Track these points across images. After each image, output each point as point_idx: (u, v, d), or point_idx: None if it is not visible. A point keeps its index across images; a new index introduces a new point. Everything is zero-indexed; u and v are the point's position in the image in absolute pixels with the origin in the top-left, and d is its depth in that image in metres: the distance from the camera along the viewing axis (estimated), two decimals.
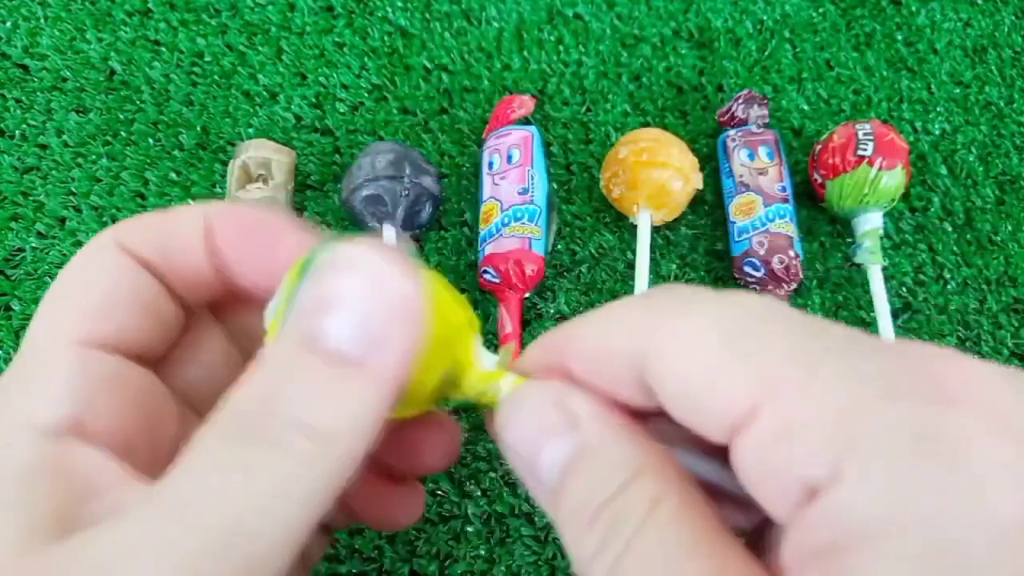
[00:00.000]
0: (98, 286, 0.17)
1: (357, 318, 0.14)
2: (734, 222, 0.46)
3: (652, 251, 0.47)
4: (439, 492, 0.40)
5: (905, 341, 0.13)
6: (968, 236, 0.49)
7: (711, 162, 0.50)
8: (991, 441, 0.11)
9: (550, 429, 0.15)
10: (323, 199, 0.48)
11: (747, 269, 0.45)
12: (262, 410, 0.14)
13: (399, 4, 0.56)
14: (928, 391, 0.12)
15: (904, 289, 0.47)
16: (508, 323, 0.44)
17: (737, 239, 0.45)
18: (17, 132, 0.49)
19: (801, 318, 0.13)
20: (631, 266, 0.46)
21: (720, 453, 0.14)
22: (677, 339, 0.14)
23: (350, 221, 0.47)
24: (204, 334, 0.20)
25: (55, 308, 0.17)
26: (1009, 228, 0.49)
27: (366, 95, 0.52)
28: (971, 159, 0.52)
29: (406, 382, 0.16)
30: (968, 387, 0.12)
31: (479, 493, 0.40)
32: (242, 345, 0.21)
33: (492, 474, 0.40)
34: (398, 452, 0.20)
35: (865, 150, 0.45)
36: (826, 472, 0.12)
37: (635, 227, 0.46)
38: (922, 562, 0.11)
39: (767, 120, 0.49)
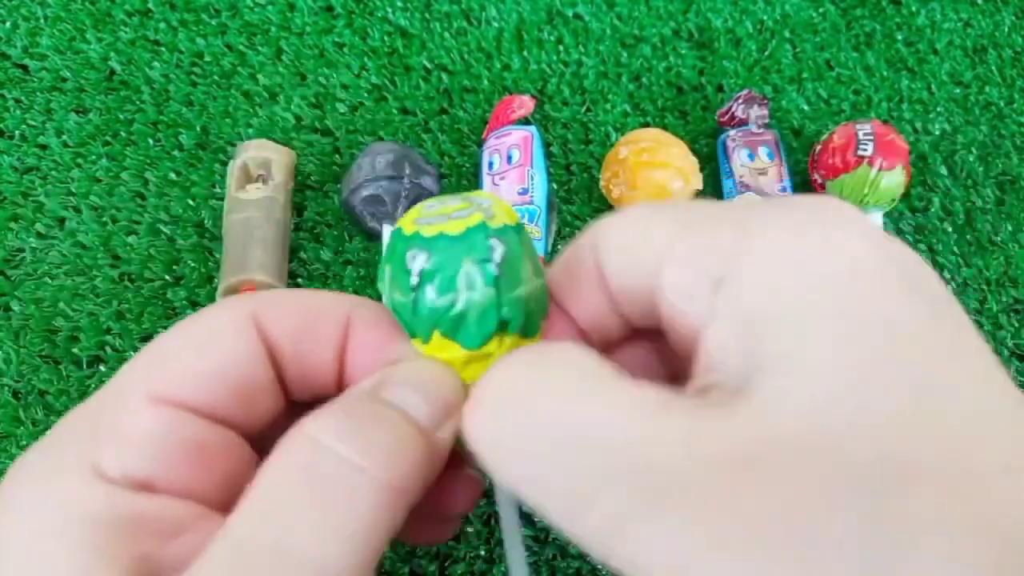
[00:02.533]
0: (216, 358, 0.17)
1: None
2: None
3: None
4: None
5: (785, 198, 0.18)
6: (968, 236, 0.49)
7: (711, 162, 0.50)
8: (837, 220, 0.15)
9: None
10: (323, 199, 0.48)
11: None
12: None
13: (399, 4, 0.56)
14: (784, 206, 0.16)
15: None
16: None
17: None
18: (17, 132, 0.49)
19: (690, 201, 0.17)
20: None
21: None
22: (604, 231, 0.18)
23: (350, 221, 0.47)
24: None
25: (157, 362, 0.17)
26: (1009, 228, 0.49)
27: (366, 95, 0.52)
28: (971, 159, 0.52)
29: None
30: (817, 204, 0.16)
31: None
32: None
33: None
34: (426, 502, 0.19)
35: (865, 150, 0.45)
36: (724, 269, 0.15)
37: None
38: (802, 328, 0.14)
39: (767, 120, 0.49)
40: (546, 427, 0.14)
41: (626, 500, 0.13)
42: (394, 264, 0.18)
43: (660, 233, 0.16)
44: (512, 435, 0.15)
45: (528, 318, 0.18)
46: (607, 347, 0.19)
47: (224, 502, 0.16)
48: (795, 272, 0.14)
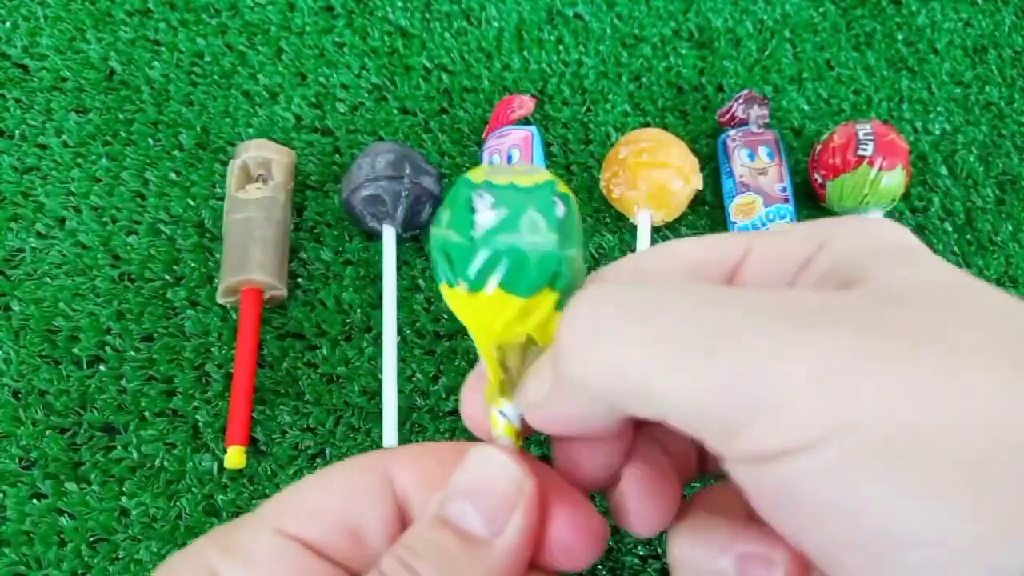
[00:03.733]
0: (344, 505, 0.18)
1: (488, 506, 0.17)
2: (734, 222, 0.46)
3: None
4: None
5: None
6: (968, 236, 0.49)
7: (711, 162, 0.50)
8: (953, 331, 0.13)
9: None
10: (323, 199, 0.48)
11: None
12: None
13: (399, 4, 0.56)
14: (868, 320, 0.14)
15: None
16: None
17: None
18: (17, 132, 0.49)
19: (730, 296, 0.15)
20: None
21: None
22: (646, 369, 0.15)
23: (350, 221, 0.47)
24: None
25: (291, 498, 0.18)
26: (1009, 228, 0.49)
27: (366, 95, 0.52)
28: (971, 159, 0.52)
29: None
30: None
31: None
32: None
33: None
34: (544, 554, 0.19)
35: (865, 150, 0.44)
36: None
37: (635, 227, 0.46)
38: (857, 463, 0.12)
39: (767, 120, 0.49)
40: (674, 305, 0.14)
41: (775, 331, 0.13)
42: (456, 207, 0.18)
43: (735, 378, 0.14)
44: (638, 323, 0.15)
45: (572, 282, 0.18)
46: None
47: None
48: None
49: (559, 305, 0.17)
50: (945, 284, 0.14)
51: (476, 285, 0.17)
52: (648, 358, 0.14)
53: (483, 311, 0.18)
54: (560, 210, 0.17)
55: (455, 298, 0.18)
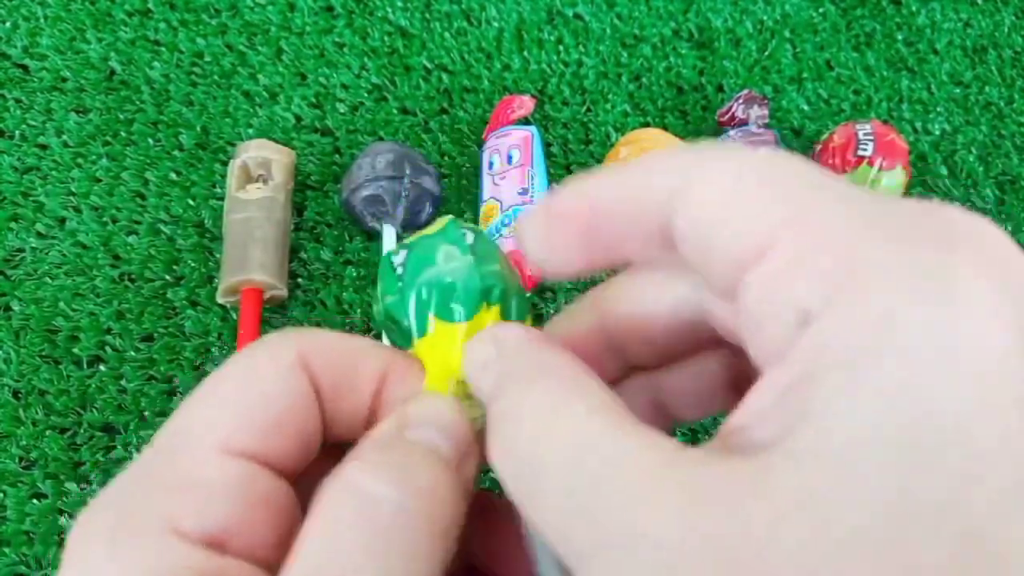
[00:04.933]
0: (273, 404, 0.16)
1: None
2: None
3: None
4: None
5: (922, 200, 0.14)
6: None
7: None
8: (983, 283, 0.12)
9: (485, 362, 0.17)
10: (323, 199, 0.48)
11: None
12: None
13: (399, 4, 0.56)
14: (933, 234, 0.12)
15: None
16: None
17: None
18: (17, 132, 0.49)
19: (817, 171, 0.14)
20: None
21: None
22: (699, 183, 0.14)
23: (350, 221, 0.47)
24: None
25: (219, 410, 0.16)
26: (1009, 229, 0.49)
27: (366, 95, 0.52)
28: (971, 159, 0.52)
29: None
30: (971, 235, 0.12)
31: None
32: None
33: (491, 474, 0.40)
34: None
35: (865, 150, 0.44)
36: (819, 303, 0.12)
37: None
38: (896, 395, 0.11)
39: (767, 120, 0.49)
40: (555, 472, 0.14)
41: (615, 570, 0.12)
42: (383, 276, 0.19)
43: (771, 213, 0.13)
44: (526, 475, 0.14)
45: (506, 292, 0.18)
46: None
47: (277, 559, 0.15)
48: (893, 350, 0.11)
49: (505, 316, 0.18)
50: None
51: (421, 328, 0.18)
52: None
53: (437, 349, 0.18)
54: (469, 238, 0.18)
55: (419, 351, 0.19)
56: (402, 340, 0.19)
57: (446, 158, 0.50)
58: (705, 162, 0.14)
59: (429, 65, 0.53)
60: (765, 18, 0.56)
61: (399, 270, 0.18)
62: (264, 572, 0.15)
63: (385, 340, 0.41)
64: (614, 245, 0.16)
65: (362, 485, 0.15)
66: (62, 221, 0.47)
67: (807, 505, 0.11)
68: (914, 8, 0.57)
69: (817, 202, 0.13)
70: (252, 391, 0.17)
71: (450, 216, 0.19)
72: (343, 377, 0.18)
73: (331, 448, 0.18)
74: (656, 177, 0.15)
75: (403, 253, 0.18)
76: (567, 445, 0.14)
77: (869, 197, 0.13)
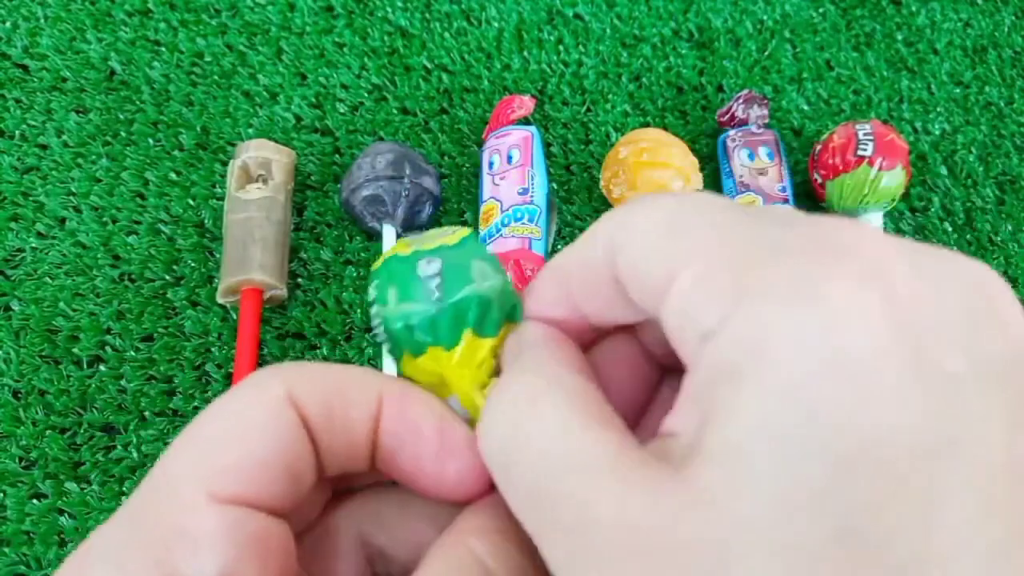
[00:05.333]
0: (260, 445, 0.16)
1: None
2: None
3: None
4: None
5: (822, 216, 0.15)
6: (968, 236, 0.49)
7: (711, 162, 0.50)
8: (857, 287, 0.13)
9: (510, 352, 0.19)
10: (323, 199, 0.48)
11: None
12: None
13: (399, 4, 0.56)
14: (812, 247, 0.14)
15: None
16: None
17: None
18: (17, 132, 0.49)
19: (722, 206, 0.16)
20: None
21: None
22: (626, 235, 0.16)
23: (350, 221, 0.47)
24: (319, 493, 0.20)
25: (205, 455, 0.16)
26: (1009, 228, 0.49)
27: (366, 95, 0.52)
28: (971, 159, 0.52)
29: None
30: (859, 247, 0.14)
31: None
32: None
33: None
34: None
35: (865, 150, 0.45)
36: (716, 321, 0.13)
37: None
38: (776, 395, 0.12)
39: (767, 120, 0.49)
40: (526, 458, 0.15)
41: (563, 557, 0.14)
42: (401, 281, 0.19)
43: (677, 250, 0.15)
44: (503, 458, 0.16)
45: (519, 307, 0.20)
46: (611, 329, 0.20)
47: None
48: (767, 368, 0.13)
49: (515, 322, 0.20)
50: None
51: (452, 341, 0.19)
52: None
53: (459, 362, 0.19)
54: (490, 252, 0.20)
55: (429, 361, 0.19)
56: (415, 345, 0.19)
57: (446, 158, 0.50)
58: (629, 218, 0.16)
59: (429, 65, 0.54)
60: (765, 18, 0.56)
61: (430, 282, 0.19)
62: None
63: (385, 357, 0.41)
64: (584, 305, 0.18)
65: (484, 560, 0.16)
66: (62, 221, 0.47)
67: (706, 500, 0.12)
68: (914, 8, 0.57)
69: (714, 234, 0.15)
70: (238, 433, 0.16)
71: (466, 230, 0.20)
72: (335, 410, 0.17)
73: (329, 479, 0.18)
74: (598, 240, 0.17)
75: (435, 264, 0.19)
76: (539, 435, 0.15)
77: (763, 221, 0.15)
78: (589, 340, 0.20)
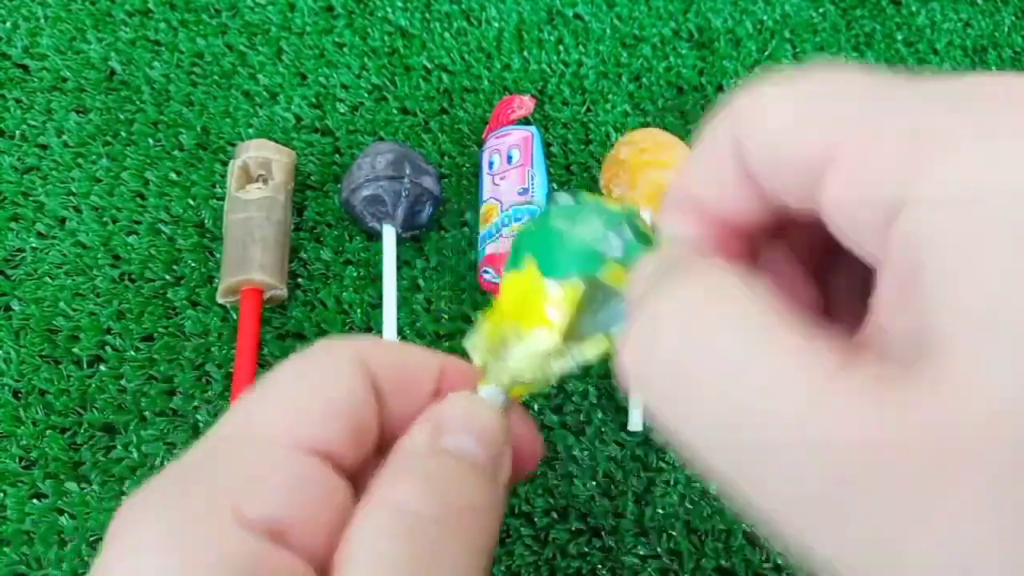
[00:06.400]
0: (335, 397, 0.17)
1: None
2: None
3: None
4: None
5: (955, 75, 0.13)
6: None
7: None
8: None
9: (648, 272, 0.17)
10: (323, 199, 0.49)
11: None
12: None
13: (399, 4, 0.56)
14: (991, 97, 0.12)
15: None
16: None
17: None
18: (17, 132, 0.49)
19: (864, 70, 0.14)
20: None
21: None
22: (757, 112, 0.14)
23: (350, 221, 0.47)
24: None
25: (282, 405, 0.16)
26: None
27: (366, 95, 0.52)
28: None
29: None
30: (1012, 87, 0.12)
31: None
32: None
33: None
34: None
35: None
36: (900, 191, 0.12)
37: None
38: (1012, 254, 0.10)
39: None
40: (709, 391, 0.13)
41: (793, 491, 0.12)
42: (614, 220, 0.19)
43: (823, 125, 0.13)
44: (668, 384, 0.14)
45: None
46: (751, 241, 0.17)
47: (328, 556, 0.15)
48: (987, 213, 0.11)
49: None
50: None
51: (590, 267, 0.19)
52: None
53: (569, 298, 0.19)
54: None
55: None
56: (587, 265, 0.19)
57: (446, 158, 0.50)
58: (753, 104, 0.14)
59: (429, 65, 0.54)
60: (765, 18, 0.57)
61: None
62: (314, 571, 0.15)
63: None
64: (716, 212, 0.16)
65: (403, 502, 0.15)
66: (62, 221, 0.47)
67: (962, 397, 0.10)
68: (914, 8, 0.57)
69: (855, 101, 0.13)
70: (314, 385, 0.17)
71: (631, 207, 0.20)
72: (402, 375, 0.18)
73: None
74: (719, 138, 0.15)
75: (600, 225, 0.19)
76: (718, 359, 0.13)
77: (893, 82, 0.13)
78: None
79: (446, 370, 0.19)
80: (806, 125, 0.13)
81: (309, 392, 0.17)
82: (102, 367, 0.43)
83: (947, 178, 0.11)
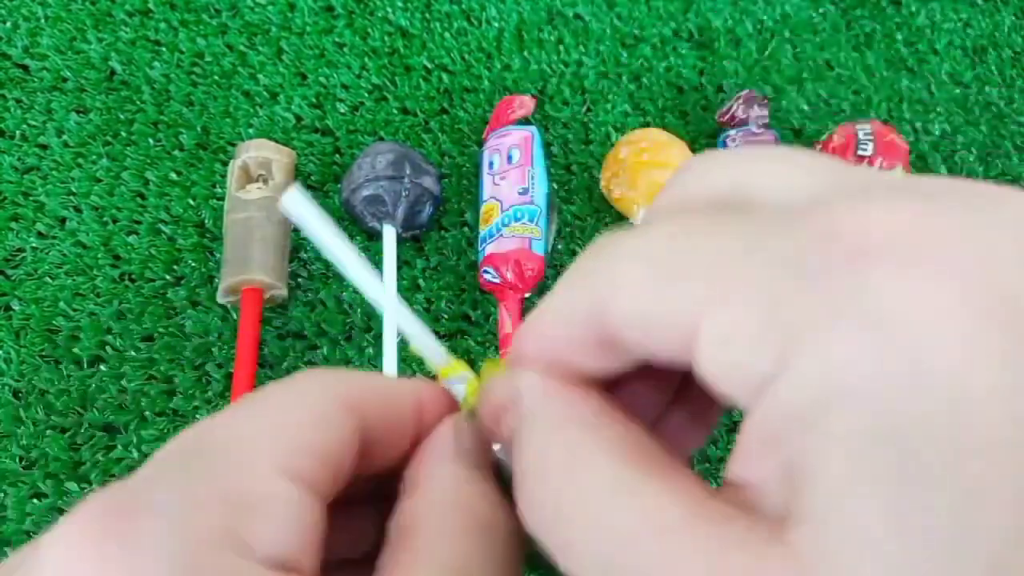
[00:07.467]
0: (325, 433, 0.17)
1: None
2: None
3: None
4: None
5: (815, 204, 0.13)
6: None
7: None
8: (921, 288, 0.11)
9: (502, 408, 0.17)
10: (323, 199, 0.49)
11: None
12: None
13: (399, 4, 0.56)
14: (843, 257, 0.12)
15: None
16: (508, 323, 0.44)
17: None
18: (17, 132, 0.49)
19: (715, 217, 0.14)
20: None
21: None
22: (615, 287, 0.14)
23: (350, 221, 0.47)
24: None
25: (275, 430, 0.16)
26: None
27: (366, 95, 0.52)
28: (971, 159, 0.52)
29: None
30: (883, 244, 0.12)
31: None
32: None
33: None
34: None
35: (865, 150, 0.45)
36: (772, 366, 0.12)
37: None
38: (869, 434, 0.11)
39: (767, 120, 0.49)
40: (581, 529, 0.14)
41: None
42: None
43: (686, 293, 0.13)
44: (555, 530, 0.15)
45: None
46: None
47: None
48: (851, 403, 0.11)
49: None
50: None
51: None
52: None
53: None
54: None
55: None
56: None
57: (446, 158, 0.50)
58: (612, 268, 0.15)
59: (429, 65, 0.54)
60: (765, 18, 0.57)
61: None
62: None
63: (385, 357, 0.41)
64: (569, 361, 0.16)
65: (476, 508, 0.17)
66: (62, 221, 0.47)
67: (824, 566, 0.11)
68: (914, 8, 0.57)
69: (721, 264, 0.13)
70: (307, 417, 0.17)
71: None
72: (384, 414, 0.18)
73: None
74: (578, 300, 0.15)
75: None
76: (591, 500, 0.14)
77: (757, 230, 0.13)
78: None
79: (424, 395, 0.19)
80: (670, 295, 0.13)
81: (304, 424, 0.16)
82: (102, 367, 0.43)
83: (812, 366, 0.11)
